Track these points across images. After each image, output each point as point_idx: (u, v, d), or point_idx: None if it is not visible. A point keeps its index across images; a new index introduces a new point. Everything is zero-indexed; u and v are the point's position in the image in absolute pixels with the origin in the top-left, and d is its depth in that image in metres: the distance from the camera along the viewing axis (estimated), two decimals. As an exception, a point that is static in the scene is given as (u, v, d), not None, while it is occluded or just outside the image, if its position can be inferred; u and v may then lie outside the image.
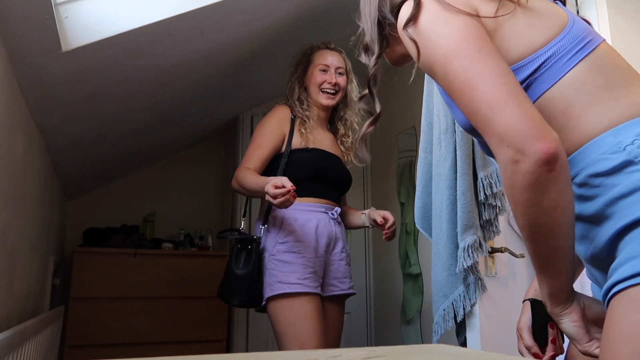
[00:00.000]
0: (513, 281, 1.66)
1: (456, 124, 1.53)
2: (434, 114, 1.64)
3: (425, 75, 1.70)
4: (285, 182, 1.55)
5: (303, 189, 1.76)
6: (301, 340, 1.60)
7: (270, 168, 1.82)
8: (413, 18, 0.79)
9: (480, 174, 1.51)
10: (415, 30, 0.79)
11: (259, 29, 2.02)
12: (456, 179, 1.51)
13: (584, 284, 1.33)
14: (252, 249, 1.74)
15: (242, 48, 2.13)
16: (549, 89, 0.77)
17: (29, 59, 1.27)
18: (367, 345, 3.14)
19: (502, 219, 1.59)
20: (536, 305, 0.98)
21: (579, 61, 0.77)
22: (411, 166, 2.93)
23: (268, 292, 1.67)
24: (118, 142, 2.52)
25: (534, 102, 0.78)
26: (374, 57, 0.91)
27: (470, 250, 1.47)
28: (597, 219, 0.74)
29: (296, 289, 1.65)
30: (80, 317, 2.66)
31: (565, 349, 0.96)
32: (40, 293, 2.04)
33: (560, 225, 0.71)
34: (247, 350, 2.86)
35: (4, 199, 1.21)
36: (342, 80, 1.91)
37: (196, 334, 2.87)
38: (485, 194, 1.50)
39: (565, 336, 0.85)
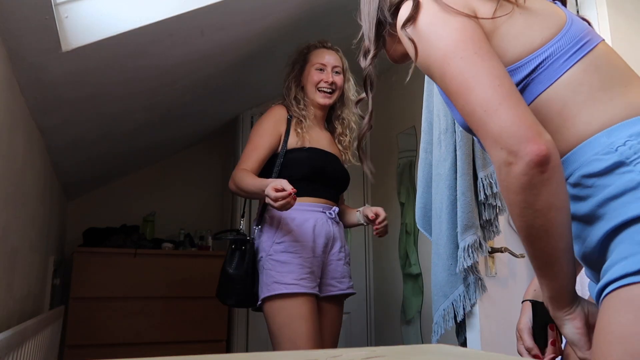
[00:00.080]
0: (513, 281, 1.66)
1: (456, 124, 1.53)
2: (434, 114, 1.64)
3: (426, 75, 1.71)
4: (285, 184, 1.55)
5: (300, 189, 1.76)
6: (294, 343, 1.60)
7: (266, 168, 1.82)
8: (411, 18, 0.80)
9: (480, 174, 1.51)
10: (413, 31, 0.80)
11: (259, 29, 2.02)
12: (456, 179, 1.51)
13: (583, 284, 1.33)
14: (246, 249, 1.74)
15: (242, 48, 2.13)
16: (545, 89, 0.78)
17: (29, 59, 1.27)
18: (367, 345, 3.14)
19: (502, 219, 1.59)
20: (537, 307, 0.98)
21: (576, 62, 0.78)
22: (411, 166, 2.93)
23: (265, 292, 1.67)
24: (118, 142, 2.52)
25: (530, 103, 0.79)
26: (369, 57, 0.92)
27: (470, 250, 1.47)
28: (589, 219, 0.75)
29: (292, 289, 1.64)
30: (80, 317, 2.66)
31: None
32: (40, 293, 2.04)
33: (556, 226, 0.71)
34: (247, 350, 2.86)
35: (4, 199, 1.21)
36: (339, 79, 1.91)
37: (196, 334, 2.87)
38: (485, 194, 1.50)
39: (564, 336, 0.85)
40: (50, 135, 1.79)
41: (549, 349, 0.94)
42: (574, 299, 0.78)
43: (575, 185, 0.76)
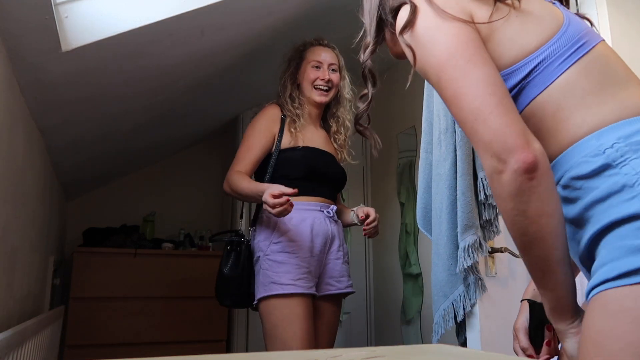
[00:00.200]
0: (513, 281, 1.65)
1: (456, 124, 1.53)
2: (434, 113, 1.64)
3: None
4: (283, 189, 1.54)
5: (297, 188, 1.76)
6: (286, 343, 1.60)
7: (260, 169, 1.82)
8: (409, 24, 0.80)
9: (480, 174, 1.51)
10: (410, 36, 0.81)
11: (259, 29, 2.02)
12: (456, 179, 1.51)
13: (583, 285, 1.33)
14: (241, 250, 1.74)
15: (242, 48, 2.13)
16: (540, 93, 0.78)
17: (29, 59, 1.27)
18: (367, 345, 3.14)
19: (502, 219, 1.58)
20: (535, 307, 0.98)
21: (571, 65, 0.78)
22: (411, 166, 2.93)
23: (261, 292, 1.66)
24: (118, 142, 2.52)
25: (525, 106, 0.80)
26: (368, 51, 0.93)
27: (470, 250, 1.47)
28: (578, 222, 0.76)
29: (289, 290, 1.64)
30: (80, 317, 2.66)
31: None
32: (40, 293, 2.04)
33: (548, 233, 0.72)
34: (247, 350, 2.86)
35: (4, 199, 1.21)
36: (335, 77, 1.89)
37: (196, 334, 2.87)
38: (485, 194, 1.50)
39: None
40: (50, 135, 1.79)
41: (544, 349, 0.94)
42: (577, 312, 0.77)
43: (565, 187, 0.77)
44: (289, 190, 1.54)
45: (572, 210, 0.76)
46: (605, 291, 0.68)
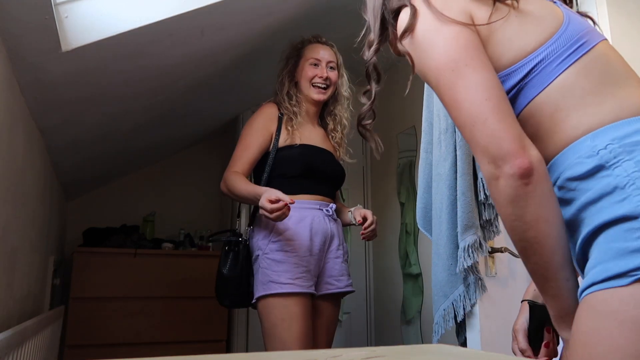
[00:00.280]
0: (513, 281, 1.65)
1: (456, 124, 1.53)
2: (434, 114, 1.64)
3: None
4: (280, 195, 1.54)
5: (295, 186, 1.75)
6: (285, 342, 1.59)
7: (258, 167, 1.81)
8: (408, 30, 0.80)
9: (480, 174, 1.51)
10: (410, 40, 0.81)
11: (259, 29, 2.02)
12: (456, 179, 1.51)
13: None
14: (239, 250, 1.74)
15: (243, 48, 2.13)
16: (538, 93, 0.78)
17: (29, 59, 1.27)
18: (367, 345, 3.14)
19: (501, 219, 1.58)
20: (535, 308, 0.97)
21: (570, 65, 0.78)
22: (411, 166, 2.93)
23: (260, 291, 1.66)
24: (118, 142, 2.52)
25: (523, 108, 0.79)
26: (372, 49, 0.92)
27: (470, 250, 1.47)
28: (574, 224, 0.76)
29: (287, 289, 1.63)
30: (80, 317, 2.66)
31: (559, 352, 0.96)
32: (40, 293, 2.04)
33: (547, 238, 0.72)
34: (247, 350, 2.86)
35: (4, 199, 1.21)
36: (333, 74, 1.89)
37: (196, 334, 2.87)
38: (485, 194, 1.50)
39: (560, 339, 0.85)
40: (50, 135, 1.79)
41: (543, 351, 0.94)
42: None
43: (561, 188, 0.77)
44: (286, 197, 1.53)
45: (567, 212, 0.76)
46: (593, 293, 0.68)
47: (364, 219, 1.80)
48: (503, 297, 1.61)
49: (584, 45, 0.79)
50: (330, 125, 1.95)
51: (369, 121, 0.98)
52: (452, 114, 0.77)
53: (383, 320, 3.18)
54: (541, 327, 0.95)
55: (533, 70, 0.78)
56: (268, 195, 1.54)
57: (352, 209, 1.90)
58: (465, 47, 0.76)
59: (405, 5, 0.82)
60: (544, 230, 0.72)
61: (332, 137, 1.94)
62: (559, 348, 0.95)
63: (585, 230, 0.72)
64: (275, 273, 1.65)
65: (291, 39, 1.97)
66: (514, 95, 0.80)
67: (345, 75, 1.96)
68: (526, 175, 0.69)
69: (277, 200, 1.53)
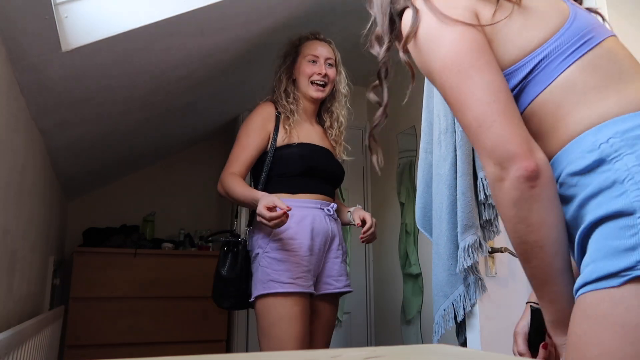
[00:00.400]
0: (513, 281, 1.65)
1: (456, 124, 1.53)
2: (434, 114, 1.64)
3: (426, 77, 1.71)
4: (277, 202, 1.54)
5: (295, 185, 1.75)
6: (282, 342, 1.59)
7: (256, 168, 1.80)
8: (412, 33, 0.79)
9: (480, 174, 1.51)
10: (414, 43, 0.80)
11: (259, 29, 2.02)
12: (456, 179, 1.51)
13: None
14: (238, 251, 1.72)
15: (242, 48, 2.13)
16: (542, 91, 0.77)
17: (29, 59, 1.27)
18: (367, 345, 3.14)
19: (502, 221, 1.58)
20: (537, 312, 0.97)
21: (574, 61, 0.76)
22: (411, 166, 2.93)
23: (259, 290, 1.65)
24: (118, 142, 2.52)
25: (527, 106, 0.78)
26: (384, 49, 0.89)
27: (470, 250, 1.47)
28: (575, 222, 0.74)
29: (287, 288, 1.63)
30: (80, 317, 2.66)
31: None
32: (40, 293, 2.04)
33: (550, 242, 0.71)
34: (247, 350, 2.85)
35: (4, 199, 1.21)
36: (331, 71, 1.87)
37: (196, 334, 2.87)
38: (485, 194, 1.50)
39: None
40: (50, 135, 1.79)
41: (541, 352, 0.93)
42: None
43: (562, 184, 0.75)
44: (283, 205, 1.53)
45: (568, 211, 0.74)
46: (585, 295, 0.68)
47: (363, 221, 1.79)
48: (503, 297, 1.61)
49: (590, 41, 0.77)
50: (327, 123, 1.94)
51: (380, 126, 0.95)
52: (457, 115, 0.76)
53: (383, 320, 3.18)
54: (542, 331, 0.95)
55: (536, 68, 0.77)
56: (266, 203, 1.53)
57: (351, 209, 1.89)
58: (470, 47, 0.75)
59: (408, 7, 0.81)
60: (547, 234, 0.71)
61: (329, 134, 1.93)
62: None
63: (583, 225, 0.71)
64: (276, 272, 1.64)
65: (290, 38, 1.96)
66: (517, 93, 0.78)
67: (343, 72, 1.95)
68: (533, 178, 0.69)
69: (274, 207, 1.52)
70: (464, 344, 1.59)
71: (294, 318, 1.61)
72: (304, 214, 1.72)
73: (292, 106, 1.82)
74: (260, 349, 1.71)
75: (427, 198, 1.66)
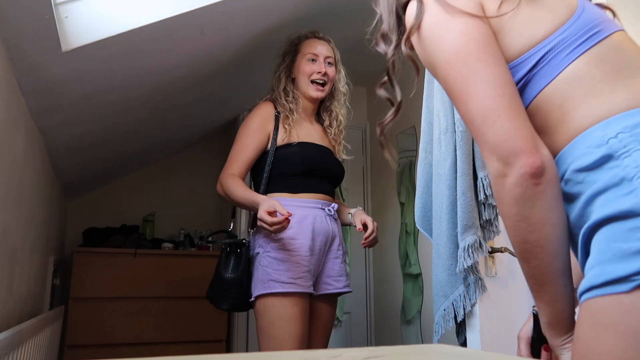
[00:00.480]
0: (513, 281, 1.65)
1: (456, 124, 1.53)
2: (434, 114, 1.64)
3: (426, 75, 1.71)
4: (278, 207, 1.54)
5: (296, 185, 1.75)
6: (281, 342, 1.59)
7: (256, 167, 1.80)
8: (416, 25, 0.77)
9: (480, 174, 1.51)
10: (417, 35, 0.78)
11: (259, 29, 2.02)
12: (456, 179, 1.51)
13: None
14: (241, 252, 1.71)
15: (243, 48, 2.13)
16: (547, 85, 0.74)
17: (29, 59, 1.27)
18: (367, 345, 3.14)
19: (502, 219, 1.58)
20: (539, 318, 0.96)
21: (581, 54, 0.73)
22: (411, 166, 2.93)
23: (259, 290, 1.64)
24: (118, 142, 2.52)
25: (532, 100, 0.76)
26: (392, 47, 0.86)
27: (470, 250, 1.47)
28: (579, 222, 0.71)
29: (288, 288, 1.62)
30: (80, 317, 2.66)
31: None
32: (40, 293, 2.04)
33: (551, 242, 0.69)
34: (247, 350, 2.85)
35: (4, 199, 1.21)
36: (331, 70, 1.87)
37: (196, 334, 2.87)
38: (485, 194, 1.50)
39: None
40: (50, 135, 1.79)
41: (543, 354, 0.93)
42: (573, 326, 0.73)
43: (567, 181, 0.72)
44: (284, 210, 1.53)
45: (573, 210, 0.71)
46: (593, 299, 0.65)
47: (364, 225, 1.78)
48: (503, 297, 1.61)
49: (598, 34, 0.74)
50: (326, 122, 1.93)
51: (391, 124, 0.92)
52: (460, 109, 0.74)
53: (383, 320, 3.18)
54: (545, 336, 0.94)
55: (542, 60, 0.74)
56: (266, 207, 1.53)
57: (352, 211, 1.89)
58: (476, 39, 0.73)
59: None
60: (549, 233, 0.69)
61: (329, 133, 1.92)
62: None
63: (587, 223, 0.68)
64: (277, 272, 1.64)
65: (289, 36, 1.96)
66: (522, 87, 0.76)
67: (342, 71, 1.94)
68: (537, 175, 0.67)
69: (275, 212, 1.53)
70: (464, 344, 1.59)
71: (293, 318, 1.61)
72: (305, 214, 1.72)
73: (291, 105, 1.82)
74: (259, 349, 1.71)
75: (427, 198, 1.66)
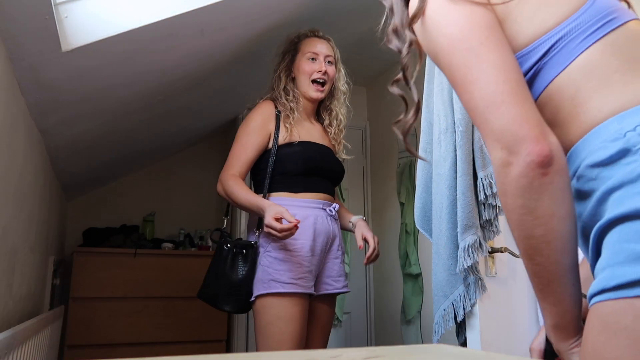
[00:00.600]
0: (513, 281, 1.65)
1: (456, 124, 1.53)
2: (434, 114, 1.64)
3: (426, 75, 1.71)
4: (285, 214, 1.53)
5: (297, 185, 1.74)
6: (279, 342, 1.58)
7: (256, 166, 1.79)
8: (419, 11, 0.74)
9: (480, 174, 1.51)
10: (420, 22, 0.75)
11: (259, 28, 2.02)
12: (456, 179, 1.51)
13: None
14: (247, 253, 1.69)
15: (243, 48, 2.13)
16: (558, 74, 0.70)
17: (29, 59, 1.27)
18: (367, 345, 3.14)
19: (502, 219, 1.59)
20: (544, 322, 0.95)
21: (595, 41, 0.69)
22: (411, 166, 2.93)
23: (260, 289, 1.64)
24: (118, 142, 2.52)
25: (542, 91, 0.72)
26: (407, 45, 0.80)
27: (470, 250, 1.47)
28: (592, 222, 0.67)
29: (289, 288, 1.62)
30: (80, 317, 2.66)
31: None
32: (40, 293, 2.04)
33: (558, 237, 0.65)
34: (247, 350, 2.85)
35: (4, 199, 1.21)
36: (331, 69, 1.86)
37: (196, 334, 2.87)
38: (485, 194, 1.50)
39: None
40: (50, 135, 1.79)
41: None
42: (580, 329, 0.69)
43: (580, 177, 0.68)
44: (291, 217, 1.53)
45: (585, 208, 0.67)
46: (604, 303, 0.61)
47: (365, 240, 1.78)
48: (503, 297, 1.61)
49: (613, 21, 0.70)
50: (326, 121, 1.93)
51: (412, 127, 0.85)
52: (463, 96, 0.70)
53: (383, 320, 3.18)
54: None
55: (553, 49, 0.70)
56: (274, 215, 1.54)
57: (353, 220, 1.88)
58: (480, 25, 0.69)
59: None
60: (556, 227, 0.64)
61: (329, 132, 1.91)
62: None
63: (600, 222, 0.64)
64: (278, 272, 1.64)
65: (289, 35, 1.96)
66: (532, 77, 0.72)
67: (342, 70, 1.94)
68: (545, 164, 0.62)
69: (281, 218, 1.53)
70: (464, 344, 1.59)
71: (292, 318, 1.61)
72: (306, 214, 1.71)
73: (292, 104, 1.81)
74: (256, 348, 1.70)
75: (427, 198, 1.66)
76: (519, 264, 1.67)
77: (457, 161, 1.51)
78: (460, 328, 1.60)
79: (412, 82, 0.82)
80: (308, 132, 1.84)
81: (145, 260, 2.87)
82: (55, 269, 2.31)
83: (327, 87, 1.87)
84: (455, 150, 1.52)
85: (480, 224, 1.52)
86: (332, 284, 1.79)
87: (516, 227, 0.67)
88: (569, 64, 0.69)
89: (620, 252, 0.60)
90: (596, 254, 0.66)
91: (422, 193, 1.67)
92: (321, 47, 1.86)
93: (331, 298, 1.83)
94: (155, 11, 1.43)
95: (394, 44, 0.81)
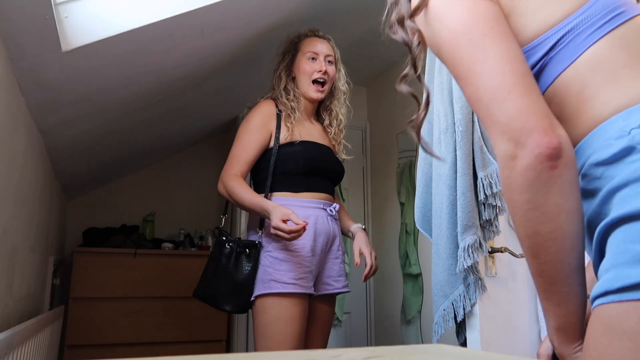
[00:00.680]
0: (513, 281, 1.65)
1: (456, 124, 1.53)
2: (434, 114, 1.64)
3: (426, 75, 1.71)
4: (292, 216, 1.53)
5: (298, 184, 1.74)
6: (278, 342, 1.58)
7: (257, 165, 1.79)
8: (422, 4, 0.73)
9: (480, 174, 1.51)
10: (423, 14, 0.74)
11: (259, 28, 2.02)
12: (456, 179, 1.51)
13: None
14: (251, 253, 1.69)
15: (243, 48, 2.13)
16: (565, 69, 0.68)
17: (29, 59, 1.27)
18: (367, 345, 3.14)
19: (502, 219, 1.59)
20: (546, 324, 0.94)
21: (603, 35, 0.67)
22: (411, 166, 2.93)
23: (260, 290, 1.63)
24: (118, 142, 2.52)
25: (548, 86, 0.70)
26: (415, 41, 0.78)
27: (470, 250, 1.47)
28: (595, 221, 0.65)
29: (289, 289, 1.61)
30: (80, 317, 2.66)
31: None
32: (40, 293, 2.04)
33: (566, 234, 0.62)
34: (247, 350, 2.85)
35: (4, 199, 1.21)
36: (331, 69, 1.86)
37: (196, 334, 2.87)
38: (485, 194, 1.50)
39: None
40: (50, 135, 1.79)
41: None
42: (584, 333, 0.66)
43: (584, 176, 0.66)
44: (299, 220, 1.53)
45: (589, 208, 0.65)
46: (607, 305, 0.59)
47: (362, 254, 1.77)
48: (503, 297, 1.61)
49: (621, 15, 0.68)
50: (326, 121, 1.93)
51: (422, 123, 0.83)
52: (467, 89, 0.68)
53: (383, 320, 3.18)
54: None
55: (559, 43, 0.68)
56: (281, 217, 1.53)
57: (352, 229, 1.87)
58: (483, 16, 0.68)
59: None
60: (564, 224, 0.61)
61: (329, 132, 1.91)
62: None
63: (603, 221, 0.62)
64: (278, 272, 1.63)
65: (289, 35, 1.96)
66: (537, 72, 0.70)
67: (342, 69, 1.94)
68: (554, 157, 0.59)
69: (288, 221, 1.53)
70: (464, 344, 1.59)
71: (292, 318, 1.61)
72: (307, 214, 1.71)
73: (292, 104, 1.81)
74: (255, 348, 1.70)
75: (427, 198, 1.66)
76: (519, 264, 1.67)
77: (457, 161, 1.51)
78: (460, 328, 1.60)
79: (422, 76, 0.79)
80: (308, 131, 1.84)
81: (145, 260, 2.87)
82: (55, 269, 2.31)
83: (327, 87, 1.87)
84: (455, 150, 1.52)
85: (480, 224, 1.53)
86: (332, 284, 1.79)
87: (521, 224, 0.65)
88: (576, 58, 0.67)
89: (625, 253, 0.58)
90: (600, 254, 0.64)
91: (422, 193, 1.67)
92: (321, 47, 1.86)
93: (331, 298, 1.82)
94: (155, 11, 1.43)
95: (399, 35, 0.79)
